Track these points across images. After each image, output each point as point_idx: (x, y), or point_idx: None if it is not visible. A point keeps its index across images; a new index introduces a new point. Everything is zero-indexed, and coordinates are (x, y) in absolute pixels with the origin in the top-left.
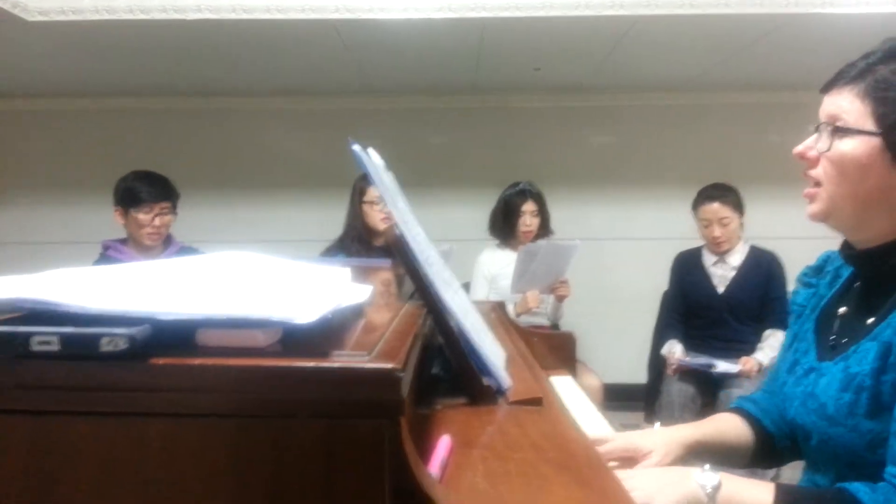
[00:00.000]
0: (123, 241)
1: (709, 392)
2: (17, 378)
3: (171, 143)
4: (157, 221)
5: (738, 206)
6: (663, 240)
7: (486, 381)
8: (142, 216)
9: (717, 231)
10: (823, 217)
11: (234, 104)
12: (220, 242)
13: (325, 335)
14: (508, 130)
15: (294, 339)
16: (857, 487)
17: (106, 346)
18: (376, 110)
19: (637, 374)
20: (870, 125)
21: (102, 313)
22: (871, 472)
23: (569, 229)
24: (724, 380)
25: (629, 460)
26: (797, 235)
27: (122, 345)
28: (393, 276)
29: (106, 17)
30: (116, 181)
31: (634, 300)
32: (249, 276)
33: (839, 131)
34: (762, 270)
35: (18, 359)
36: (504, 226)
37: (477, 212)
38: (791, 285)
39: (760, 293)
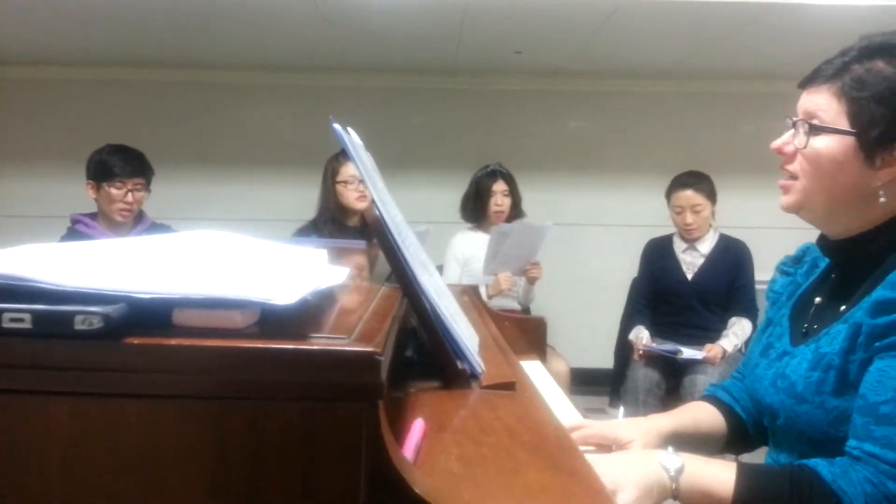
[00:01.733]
0: (93, 216)
1: (673, 378)
2: None
3: (143, 116)
4: (129, 197)
5: (711, 195)
6: (635, 227)
7: (460, 365)
8: (114, 191)
9: (689, 218)
10: (796, 209)
11: (209, 77)
12: (192, 219)
13: (303, 317)
14: (486, 113)
15: (271, 321)
16: (816, 461)
17: (80, 324)
18: (354, 88)
19: (604, 359)
20: (845, 124)
21: (77, 291)
22: (833, 449)
23: (543, 214)
24: (688, 366)
25: (605, 448)
26: (767, 225)
27: (97, 323)
28: (366, 258)
29: None
30: (90, 154)
31: (604, 285)
32: (227, 256)
33: (815, 129)
34: (730, 258)
35: None
36: (476, 207)
37: (452, 194)
38: (758, 273)
39: (728, 281)
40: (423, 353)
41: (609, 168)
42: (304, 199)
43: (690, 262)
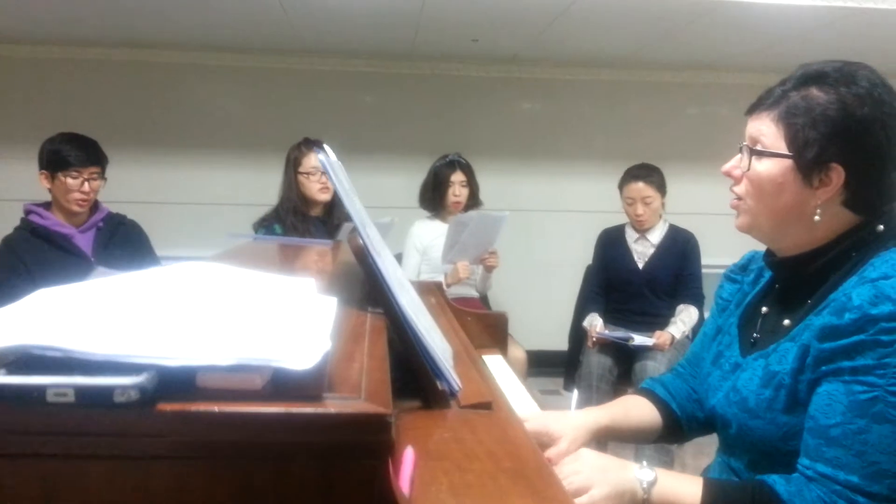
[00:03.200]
0: (47, 206)
1: (624, 363)
2: (29, 424)
3: (95, 97)
4: (85, 187)
5: (661, 187)
6: (588, 212)
7: (439, 385)
8: (70, 181)
9: (640, 209)
10: (747, 229)
11: (162, 57)
12: (148, 203)
13: (312, 370)
14: (442, 98)
15: (285, 378)
16: (774, 479)
17: (119, 396)
18: (311, 71)
19: (559, 341)
20: (783, 148)
21: (109, 360)
22: (783, 460)
23: (498, 199)
24: (639, 352)
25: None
26: (714, 211)
27: (134, 396)
28: (330, 252)
29: None
30: (42, 143)
31: (559, 270)
32: (241, 311)
33: (757, 153)
34: (679, 248)
35: (32, 406)
36: (434, 197)
37: (408, 179)
38: (706, 258)
39: (676, 270)
40: (399, 367)
41: (563, 155)
42: (262, 183)
43: (641, 251)
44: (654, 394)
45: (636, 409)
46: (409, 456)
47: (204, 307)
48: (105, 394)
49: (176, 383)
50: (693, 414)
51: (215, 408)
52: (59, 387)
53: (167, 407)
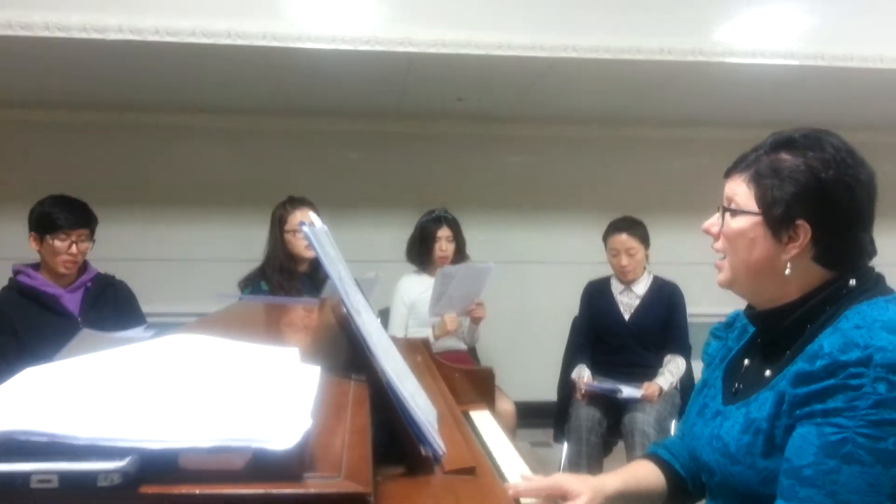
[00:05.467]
0: (35, 266)
1: (613, 415)
2: None
3: (84, 158)
4: (73, 249)
5: (645, 239)
6: (574, 264)
7: (423, 451)
8: (58, 243)
9: (624, 260)
10: (728, 285)
11: (149, 119)
12: (135, 260)
13: (291, 449)
14: (429, 155)
15: (264, 458)
16: None
17: (102, 481)
18: (297, 130)
19: (548, 392)
20: (754, 206)
21: (92, 444)
22: None
23: (484, 252)
24: (627, 404)
25: (552, 500)
26: (696, 260)
27: (117, 480)
28: (317, 311)
29: (21, 33)
30: (32, 206)
31: (547, 321)
32: (222, 390)
33: (731, 211)
34: (664, 299)
35: (16, 493)
36: (420, 252)
37: (396, 234)
38: (690, 307)
39: (662, 321)
40: (383, 430)
41: (548, 208)
42: (249, 240)
43: (627, 303)
44: (658, 456)
45: (644, 472)
46: None
47: (186, 385)
48: (89, 479)
49: (158, 465)
50: (697, 473)
51: (196, 490)
52: (43, 473)
53: (149, 489)
